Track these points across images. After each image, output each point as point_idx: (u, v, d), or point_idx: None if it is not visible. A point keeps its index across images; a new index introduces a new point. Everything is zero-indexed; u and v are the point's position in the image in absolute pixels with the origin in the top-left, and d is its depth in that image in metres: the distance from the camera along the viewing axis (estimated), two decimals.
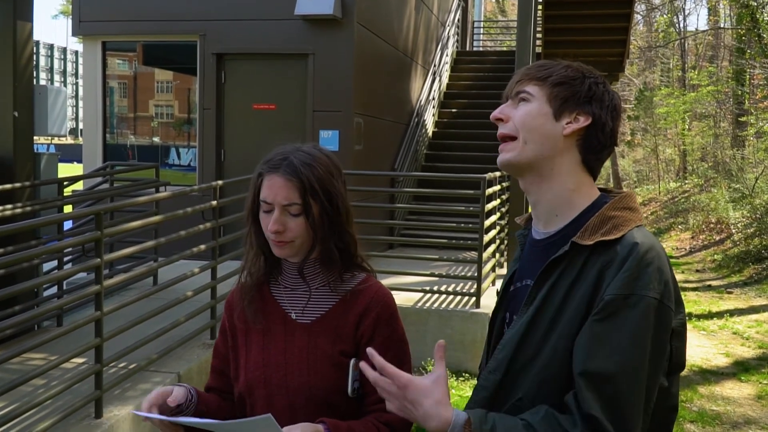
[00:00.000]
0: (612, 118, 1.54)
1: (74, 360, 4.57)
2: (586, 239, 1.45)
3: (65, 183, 6.87)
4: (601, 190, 1.60)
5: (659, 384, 1.43)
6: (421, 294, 7.22)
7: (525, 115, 1.52)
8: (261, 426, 1.50)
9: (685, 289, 11.05)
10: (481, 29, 21.53)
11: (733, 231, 14.77)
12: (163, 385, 1.77)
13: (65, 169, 15.69)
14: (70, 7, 10.13)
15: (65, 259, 6.62)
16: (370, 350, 1.46)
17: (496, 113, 1.57)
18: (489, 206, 7.34)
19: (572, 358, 1.41)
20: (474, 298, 6.90)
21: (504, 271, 8.03)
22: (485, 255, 7.11)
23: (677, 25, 31.32)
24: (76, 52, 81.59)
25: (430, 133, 12.71)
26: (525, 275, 1.59)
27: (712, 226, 16.34)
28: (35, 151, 6.39)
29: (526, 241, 1.65)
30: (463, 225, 8.28)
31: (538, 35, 11.46)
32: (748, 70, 21.09)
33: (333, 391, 1.73)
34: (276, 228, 1.71)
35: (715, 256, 13.89)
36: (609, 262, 1.42)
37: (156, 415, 1.64)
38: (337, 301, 1.80)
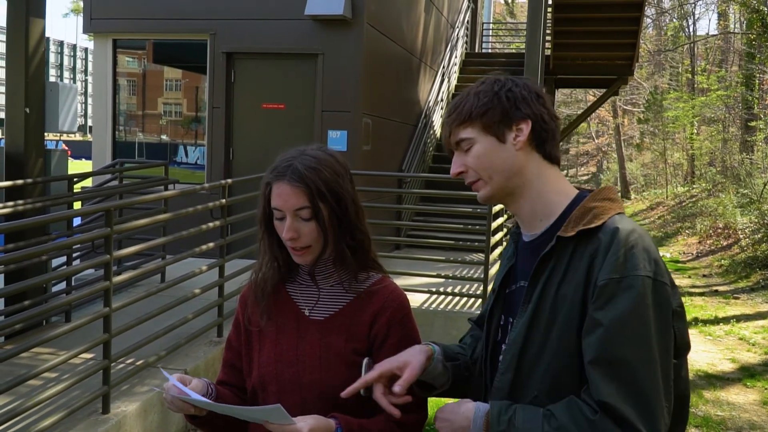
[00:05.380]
0: (541, 104, 1.58)
1: (82, 355, 4.60)
2: (569, 231, 1.50)
3: (75, 180, 6.90)
4: (580, 189, 1.64)
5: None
6: (428, 295, 7.23)
7: (477, 159, 1.58)
8: (272, 414, 1.55)
9: (691, 294, 11.03)
10: (490, 31, 21.52)
11: (741, 236, 14.72)
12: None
13: (74, 166, 15.72)
14: (81, 4, 10.17)
15: (74, 255, 6.65)
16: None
17: (455, 169, 1.63)
18: (497, 208, 7.34)
19: (581, 350, 1.43)
20: (480, 300, 6.90)
21: None
22: (492, 257, 7.12)
23: (687, 29, 31.23)
24: (86, 49, 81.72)
25: (438, 135, 12.71)
26: (520, 277, 1.63)
27: (719, 231, 16.29)
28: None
29: (519, 240, 1.69)
30: (470, 227, 8.28)
31: (548, 38, 11.45)
32: (758, 75, 21.01)
33: (345, 389, 1.73)
34: (290, 235, 1.73)
35: (723, 262, 13.85)
36: (595, 250, 1.46)
37: (185, 388, 1.68)
38: (352, 299, 1.82)
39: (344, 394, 1.62)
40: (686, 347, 1.52)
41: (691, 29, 32.00)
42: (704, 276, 13.00)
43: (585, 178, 43.68)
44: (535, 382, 1.49)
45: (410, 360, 1.66)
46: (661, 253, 12.63)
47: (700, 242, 16.51)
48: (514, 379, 1.53)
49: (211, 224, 5.63)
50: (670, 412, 1.41)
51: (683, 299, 8.95)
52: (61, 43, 78.36)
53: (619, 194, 1.65)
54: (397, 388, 1.61)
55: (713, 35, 30.96)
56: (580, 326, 1.44)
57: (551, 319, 1.48)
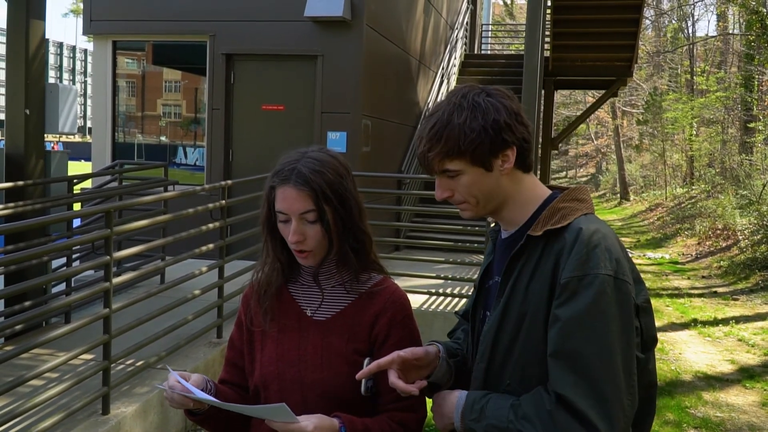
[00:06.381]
0: (520, 122, 1.60)
1: (82, 356, 4.62)
2: (538, 231, 1.56)
3: (75, 181, 6.91)
4: (556, 188, 1.69)
5: (636, 358, 1.50)
6: (427, 296, 7.24)
7: (467, 188, 1.62)
8: (276, 412, 1.57)
9: (691, 295, 11.03)
10: (490, 32, 21.54)
11: (740, 237, 14.74)
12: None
13: (74, 167, 15.73)
14: (81, 6, 10.18)
15: (74, 256, 6.66)
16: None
17: (442, 195, 1.66)
18: None
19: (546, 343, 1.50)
20: None
21: None
22: None
23: (686, 30, 31.26)
24: (85, 51, 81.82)
25: None
26: (495, 273, 1.70)
27: (718, 232, 16.30)
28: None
29: (497, 237, 1.75)
30: (469, 228, 8.29)
31: (547, 39, 11.46)
32: (757, 76, 21.04)
33: (346, 389, 1.75)
34: (296, 238, 1.74)
35: (722, 263, 13.86)
36: (561, 249, 1.52)
37: (187, 384, 1.71)
38: (353, 300, 1.83)
39: (359, 376, 1.65)
40: (653, 341, 1.58)
41: (690, 30, 32.04)
42: (703, 277, 13.01)
43: (584, 179, 43.70)
44: (507, 371, 1.57)
45: (418, 347, 1.73)
46: (659, 255, 12.49)
47: (699, 243, 16.52)
48: (487, 368, 1.61)
49: (210, 225, 5.64)
50: (633, 405, 1.47)
51: (683, 300, 8.89)
52: (60, 45, 78.32)
53: (590, 193, 1.71)
54: (402, 352, 1.64)
55: (712, 36, 30.98)
56: (547, 321, 1.51)
57: (521, 314, 1.55)
